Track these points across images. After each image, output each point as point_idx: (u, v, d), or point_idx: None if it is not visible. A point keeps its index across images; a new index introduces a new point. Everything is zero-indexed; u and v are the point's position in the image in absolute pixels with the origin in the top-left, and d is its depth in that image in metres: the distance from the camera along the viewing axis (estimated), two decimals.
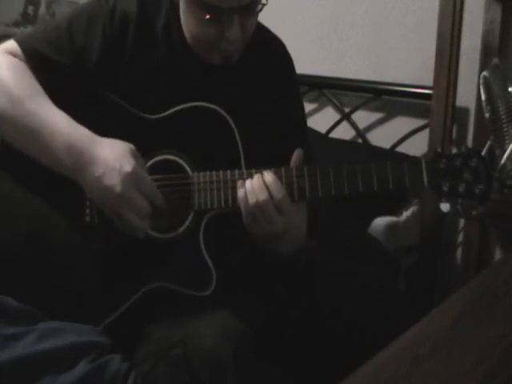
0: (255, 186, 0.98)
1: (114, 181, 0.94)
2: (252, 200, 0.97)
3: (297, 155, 1.03)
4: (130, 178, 0.94)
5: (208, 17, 0.98)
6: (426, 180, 1.00)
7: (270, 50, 1.18)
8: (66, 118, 1.00)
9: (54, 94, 1.02)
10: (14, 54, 1.06)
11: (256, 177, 0.99)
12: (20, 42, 1.07)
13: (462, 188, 0.99)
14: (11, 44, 1.07)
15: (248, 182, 0.99)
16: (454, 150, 1.00)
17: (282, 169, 1.01)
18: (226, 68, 1.10)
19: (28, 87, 1.02)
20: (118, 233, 0.98)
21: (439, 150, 1.01)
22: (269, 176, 0.99)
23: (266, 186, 0.98)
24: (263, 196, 0.97)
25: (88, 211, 1.01)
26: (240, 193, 0.99)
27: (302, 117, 1.25)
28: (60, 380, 0.84)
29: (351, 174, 1.00)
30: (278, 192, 0.98)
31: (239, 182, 1.00)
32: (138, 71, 1.07)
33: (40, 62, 1.05)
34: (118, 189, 0.94)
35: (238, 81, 1.13)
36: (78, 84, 1.05)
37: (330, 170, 1.00)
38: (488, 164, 1.00)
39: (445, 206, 1.00)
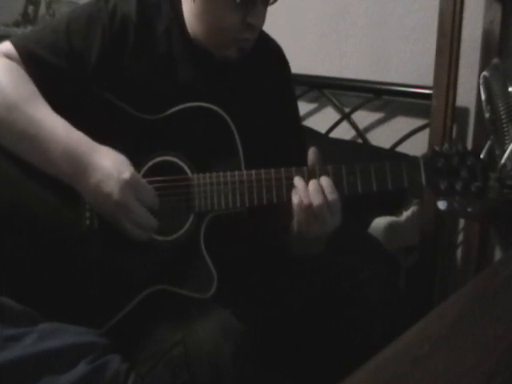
0: (310, 188, 0.98)
1: (111, 188, 0.94)
2: (306, 202, 0.98)
3: (313, 153, 1.03)
4: (128, 185, 0.94)
5: (238, 0, 1.00)
6: (424, 180, 1.00)
7: (267, 52, 1.19)
8: (64, 122, 0.99)
9: (52, 96, 1.01)
10: (9, 57, 1.04)
11: (312, 180, 0.99)
12: (16, 44, 1.05)
13: (458, 186, 1.00)
14: (6, 46, 1.05)
15: (302, 184, 0.99)
16: (451, 148, 1.01)
17: (305, 168, 1.01)
18: (225, 68, 1.10)
19: (24, 91, 1.00)
20: (118, 236, 0.98)
21: (437, 148, 1.02)
22: (324, 178, 0.99)
23: (321, 188, 0.98)
24: (318, 198, 0.97)
25: (88, 214, 1.00)
26: (294, 195, 0.99)
27: (298, 117, 1.27)
28: (60, 380, 0.84)
29: (350, 175, 1.00)
30: (332, 193, 0.98)
31: (294, 181, 1.00)
32: (137, 73, 1.07)
33: (36, 64, 1.03)
34: (116, 196, 0.94)
35: (236, 81, 1.13)
36: (75, 86, 1.05)
37: (329, 170, 1.01)
38: (484, 162, 1.01)
39: (442, 204, 1.01)
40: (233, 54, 1.08)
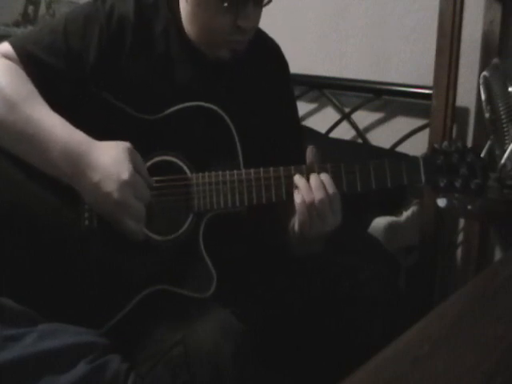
0: (312, 184, 0.99)
1: (111, 188, 0.94)
2: (309, 199, 0.98)
3: (311, 152, 1.03)
4: (127, 185, 0.94)
5: (226, 4, 1.00)
6: (423, 177, 1.00)
7: (265, 51, 1.19)
8: (63, 122, 0.98)
9: (50, 97, 1.01)
10: (7, 57, 1.04)
11: (313, 176, 1.00)
12: (14, 45, 1.05)
13: (458, 183, 1.00)
14: (5, 46, 1.05)
15: (303, 182, 0.99)
16: (451, 146, 1.01)
17: (303, 166, 1.02)
18: (222, 68, 1.10)
19: (23, 91, 1.00)
20: (117, 236, 0.98)
21: (436, 145, 1.02)
22: (324, 175, 1.00)
23: (322, 183, 0.99)
24: (320, 193, 0.98)
25: (87, 214, 1.00)
26: (296, 194, 0.99)
27: (296, 116, 1.27)
28: (60, 380, 0.84)
29: (349, 174, 1.01)
30: (333, 188, 0.99)
31: (295, 179, 1.00)
32: (135, 73, 1.07)
33: (35, 65, 1.04)
34: (116, 196, 0.94)
35: (234, 80, 1.13)
36: (74, 87, 1.05)
37: (327, 168, 1.01)
38: (484, 159, 1.01)
39: (441, 202, 1.01)
40: (226, 55, 1.08)
